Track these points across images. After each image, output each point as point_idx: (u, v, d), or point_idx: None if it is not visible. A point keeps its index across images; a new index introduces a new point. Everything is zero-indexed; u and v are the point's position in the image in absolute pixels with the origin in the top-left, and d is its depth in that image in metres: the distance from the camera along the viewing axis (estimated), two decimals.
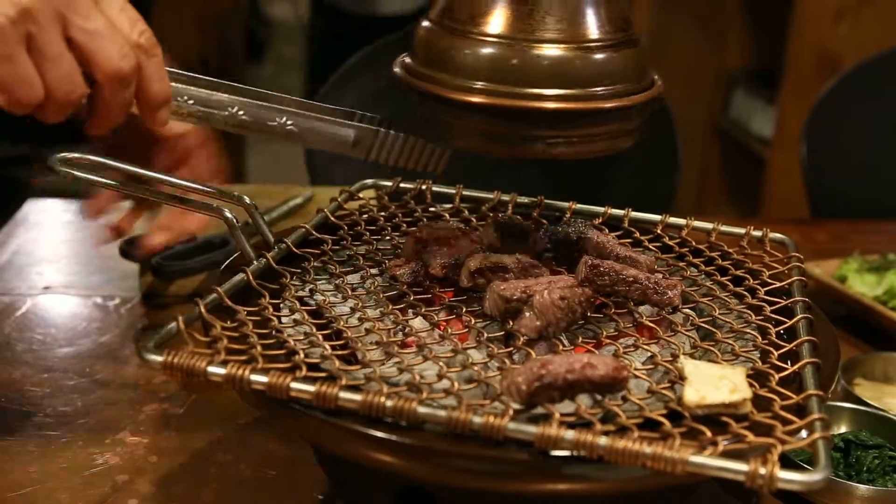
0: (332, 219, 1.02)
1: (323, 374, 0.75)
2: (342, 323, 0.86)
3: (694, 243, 1.06)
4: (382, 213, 1.07)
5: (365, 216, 1.05)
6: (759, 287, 0.96)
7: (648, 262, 0.98)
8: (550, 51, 0.86)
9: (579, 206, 1.11)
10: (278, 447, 0.98)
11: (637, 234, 1.07)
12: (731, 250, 1.04)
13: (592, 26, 0.87)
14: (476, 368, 0.79)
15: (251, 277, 0.88)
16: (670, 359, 0.83)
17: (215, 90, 0.93)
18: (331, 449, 0.79)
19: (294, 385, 0.71)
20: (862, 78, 2.04)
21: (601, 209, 1.10)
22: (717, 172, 3.57)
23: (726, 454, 0.68)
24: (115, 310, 1.25)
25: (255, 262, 0.91)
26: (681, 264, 1.03)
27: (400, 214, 1.07)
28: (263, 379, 0.71)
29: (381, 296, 0.92)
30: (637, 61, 0.90)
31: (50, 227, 1.52)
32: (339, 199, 1.06)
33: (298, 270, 0.94)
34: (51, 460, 0.94)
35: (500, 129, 0.88)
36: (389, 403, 0.70)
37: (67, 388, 1.06)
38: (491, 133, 0.89)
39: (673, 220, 1.07)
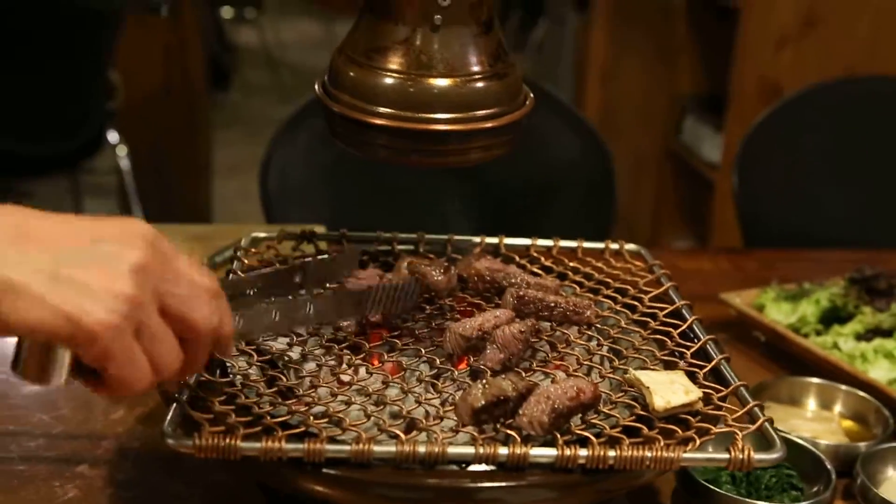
0: (243, 276, 1.11)
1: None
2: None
3: (567, 261, 1.20)
4: (285, 266, 1.15)
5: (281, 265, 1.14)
6: (642, 296, 1.11)
7: (554, 286, 1.09)
8: (439, 81, 0.99)
9: (509, 240, 1.22)
10: (225, 478, 1.05)
11: (517, 259, 1.20)
12: (600, 265, 1.19)
13: (472, 61, 1.00)
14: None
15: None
16: (611, 371, 0.98)
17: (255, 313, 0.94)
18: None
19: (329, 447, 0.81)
20: (795, 109, 2.13)
21: (528, 241, 1.23)
22: (671, 196, 3.68)
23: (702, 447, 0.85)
24: None
25: None
26: (565, 283, 1.15)
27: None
28: (300, 446, 0.80)
29: (324, 341, 1.02)
30: (509, 87, 1.03)
31: None
32: (239, 257, 1.15)
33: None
34: (15, 493, 1.02)
35: (399, 144, 1.01)
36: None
37: (31, 424, 1.14)
38: (393, 147, 1.01)
39: (542, 242, 1.23)
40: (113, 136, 3.26)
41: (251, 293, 0.96)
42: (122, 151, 3.30)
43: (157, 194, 3.50)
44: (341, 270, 1.09)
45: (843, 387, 1.25)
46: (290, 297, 0.96)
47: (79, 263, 0.69)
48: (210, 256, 1.48)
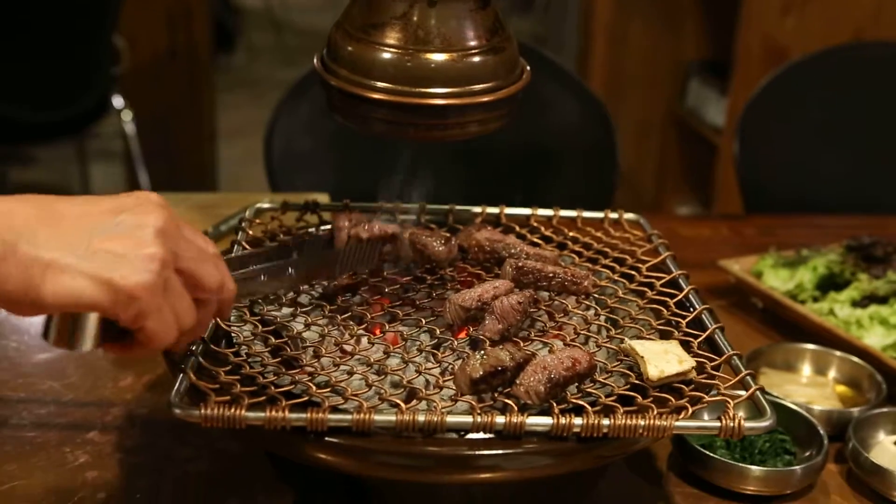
0: (248, 248, 1.13)
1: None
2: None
3: (567, 231, 1.22)
4: (289, 237, 1.18)
5: (275, 242, 1.16)
6: (640, 266, 1.13)
7: (553, 256, 1.11)
8: (436, 56, 1.00)
9: (509, 210, 1.24)
10: (232, 444, 1.08)
11: (517, 229, 1.22)
12: (599, 234, 1.21)
13: (469, 35, 1.01)
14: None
15: (218, 319, 0.97)
16: (607, 341, 1.00)
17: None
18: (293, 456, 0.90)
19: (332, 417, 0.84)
20: (799, 74, 2.13)
21: (529, 211, 1.25)
22: (675, 160, 3.68)
23: (695, 415, 0.87)
24: None
25: None
26: (564, 253, 1.16)
27: (305, 236, 1.18)
28: (303, 415, 0.83)
29: (327, 311, 1.04)
30: (506, 61, 1.04)
31: None
32: (243, 228, 1.17)
33: (247, 303, 1.05)
34: (27, 459, 1.05)
35: (397, 118, 1.02)
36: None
37: (41, 392, 1.17)
38: (390, 121, 1.03)
39: (542, 211, 1.24)
40: (118, 101, 3.27)
41: (255, 267, 0.99)
42: (127, 116, 3.31)
43: (162, 158, 3.51)
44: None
45: (838, 353, 1.27)
46: (273, 263, 1.01)
47: (108, 235, 0.75)
48: (215, 225, 1.50)
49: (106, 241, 0.74)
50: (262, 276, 0.99)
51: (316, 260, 1.07)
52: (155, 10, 3.47)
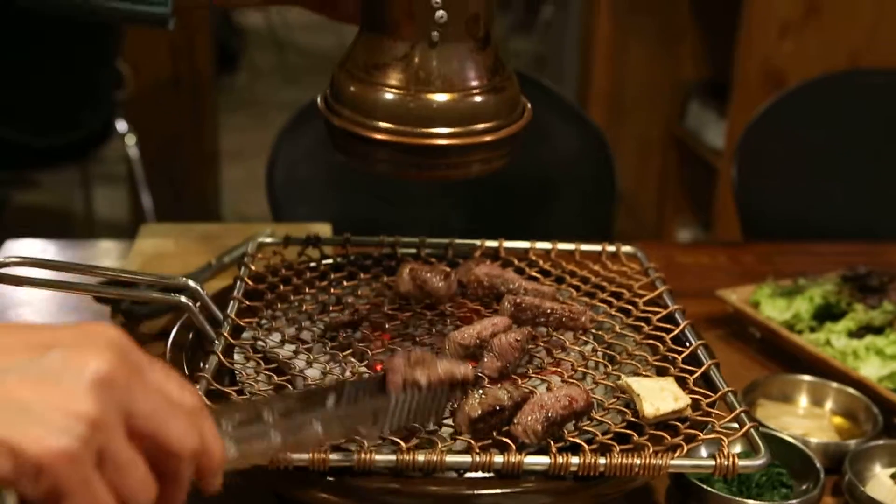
0: (251, 283, 1.15)
1: None
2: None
3: (565, 265, 1.24)
4: (291, 271, 1.19)
5: (277, 277, 1.18)
6: (637, 300, 1.15)
7: (551, 291, 1.13)
8: (438, 96, 1.02)
9: (508, 243, 1.26)
10: (236, 482, 1.09)
11: (516, 262, 1.24)
12: (597, 268, 1.23)
13: (470, 76, 1.03)
14: None
15: (221, 357, 1.00)
16: (604, 377, 1.02)
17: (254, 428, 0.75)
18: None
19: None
20: (797, 100, 2.15)
21: (527, 244, 1.27)
22: (676, 181, 3.70)
23: (691, 452, 0.90)
24: None
25: (216, 340, 1.03)
26: (562, 287, 1.17)
27: (307, 272, 1.20)
28: (306, 456, 0.85)
29: (328, 349, 1.05)
30: (507, 100, 1.06)
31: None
32: (246, 264, 1.18)
33: (250, 340, 1.07)
34: None
35: (399, 158, 1.04)
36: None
37: None
38: (393, 160, 1.04)
39: (540, 244, 1.26)
40: (122, 126, 3.30)
41: (269, 419, 0.75)
42: (130, 140, 3.34)
43: (166, 182, 3.54)
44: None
45: (834, 384, 1.28)
46: (297, 419, 0.77)
47: (24, 378, 0.57)
48: (218, 257, 1.52)
49: (20, 386, 0.56)
50: (275, 436, 0.75)
51: (356, 412, 0.81)
52: (158, 38, 3.50)
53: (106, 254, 1.76)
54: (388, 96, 1.02)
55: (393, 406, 0.82)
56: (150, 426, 0.60)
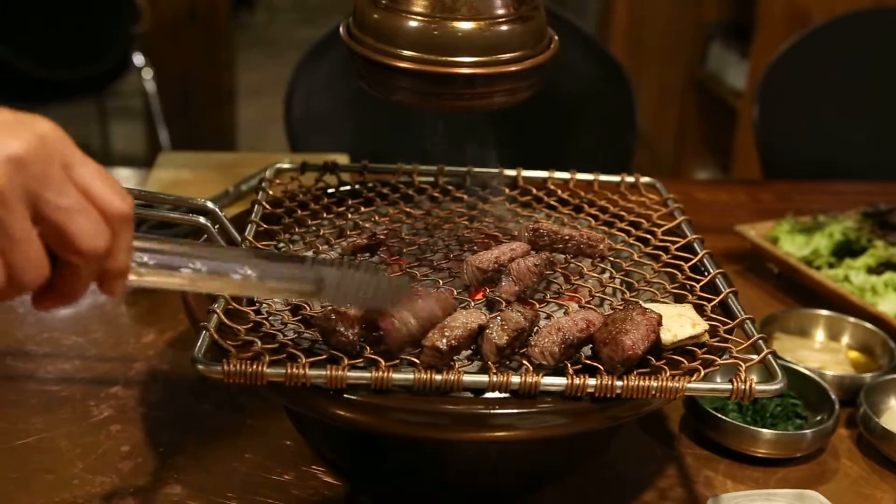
0: (269, 208, 1.14)
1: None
2: None
3: (583, 194, 1.22)
4: (309, 196, 1.19)
5: (295, 202, 1.17)
6: (655, 229, 1.14)
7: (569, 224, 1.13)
8: (463, 24, 0.99)
9: (526, 172, 1.25)
10: (252, 399, 1.10)
11: (534, 191, 1.23)
12: (616, 198, 1.22)
13: (497, 4, 1.00)
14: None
15: None
16: (622, 303, 1.00)
17: (175, 248, 0.76)
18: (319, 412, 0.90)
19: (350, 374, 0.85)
20: (819, 40, 2.11)
21: (545, 174, 1.26)
22: (695, 124, 3.67)
23: (707, 377, 0.88)
24: None
25: None
26: (580, 216, 1.18)
27: (325, 198, 1.20)
28: (323, 373, 0.84)
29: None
30: (534, 30, 1.03)
31: None
32: (264, 188, 1.17)
33: None
34: (52, 413, 1.07)
35: (423, 88, 1.01)
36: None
37: (66, 347, 1.19)
38: (416, 90, 1.02)
39: (558, 174, 1.25)
40: (139, 59, 3.28)
41: (193, 253, 0.75)
42: (147, 74, 3.33)
43: (182, 116, 3.53)
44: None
45: (852, 319, 1.28)
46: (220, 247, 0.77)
47: None
48: (235, 184, 1.52)
49: None
50: (199, 265, 0.74)
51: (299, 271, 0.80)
52: None
53: (125, 181, 1.76)
54: (412, 23, 1.00)
55: (338, 276, 0.80)
56: (56, 216, 0.63)
